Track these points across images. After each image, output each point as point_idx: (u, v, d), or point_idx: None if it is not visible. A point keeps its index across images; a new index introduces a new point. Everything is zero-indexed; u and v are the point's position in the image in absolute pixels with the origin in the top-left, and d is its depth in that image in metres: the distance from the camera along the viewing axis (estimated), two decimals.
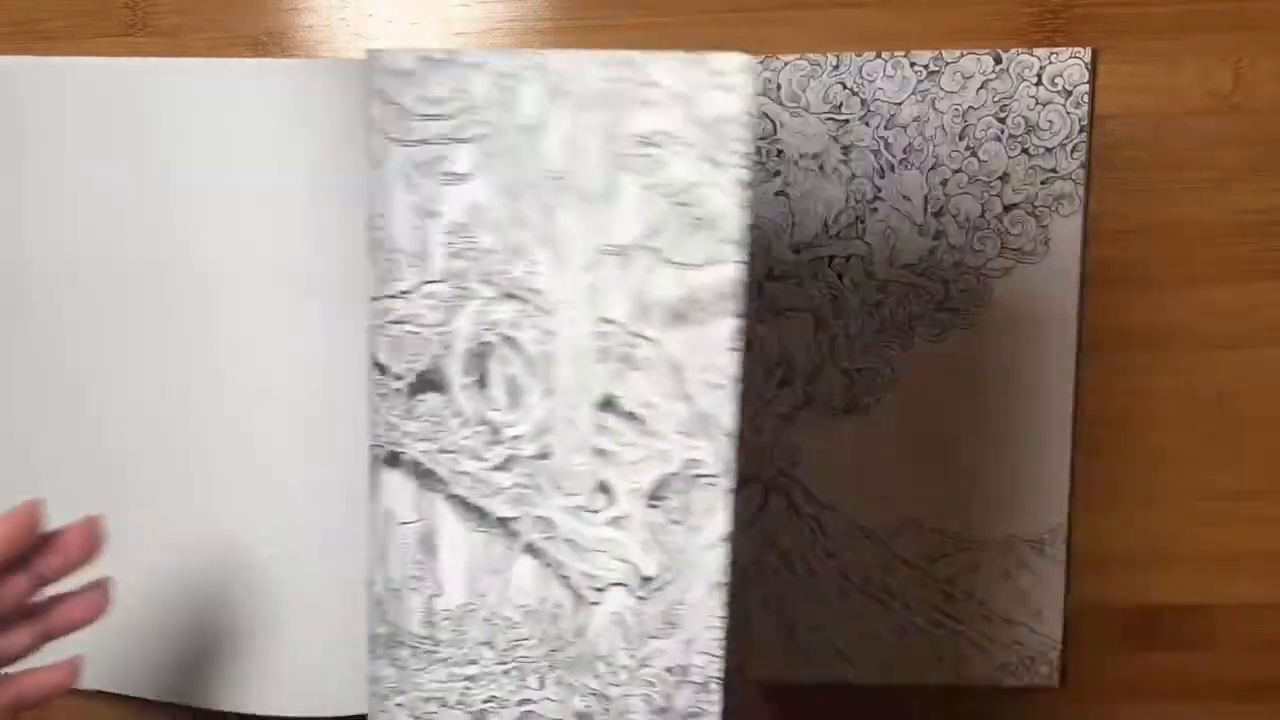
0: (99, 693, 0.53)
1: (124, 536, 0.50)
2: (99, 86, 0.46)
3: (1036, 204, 0.48)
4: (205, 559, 0.50)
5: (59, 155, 0.47)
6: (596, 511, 0.35)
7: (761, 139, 0.48)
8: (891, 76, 0.47)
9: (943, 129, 0.47)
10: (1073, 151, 0.47)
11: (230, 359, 0.48)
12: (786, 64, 0.47)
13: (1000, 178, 0.48)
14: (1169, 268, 0.49)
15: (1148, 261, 0.49)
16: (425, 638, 0.37)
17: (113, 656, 0.52)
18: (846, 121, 0.47)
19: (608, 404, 0.34)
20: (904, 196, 0.48)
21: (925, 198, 0.48)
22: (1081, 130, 0.47)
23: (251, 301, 0.47)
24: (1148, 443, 0.51)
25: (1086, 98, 0.47)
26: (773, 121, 0.47)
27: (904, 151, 0.47)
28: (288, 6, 0.48)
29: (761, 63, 0.47)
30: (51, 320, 0.49)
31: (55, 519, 0.51)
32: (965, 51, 0.47)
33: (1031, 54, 0.47)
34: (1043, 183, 0.48)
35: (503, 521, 0.36)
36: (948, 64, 0.47)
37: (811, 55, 0.47)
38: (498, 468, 0.36)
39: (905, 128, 0.47)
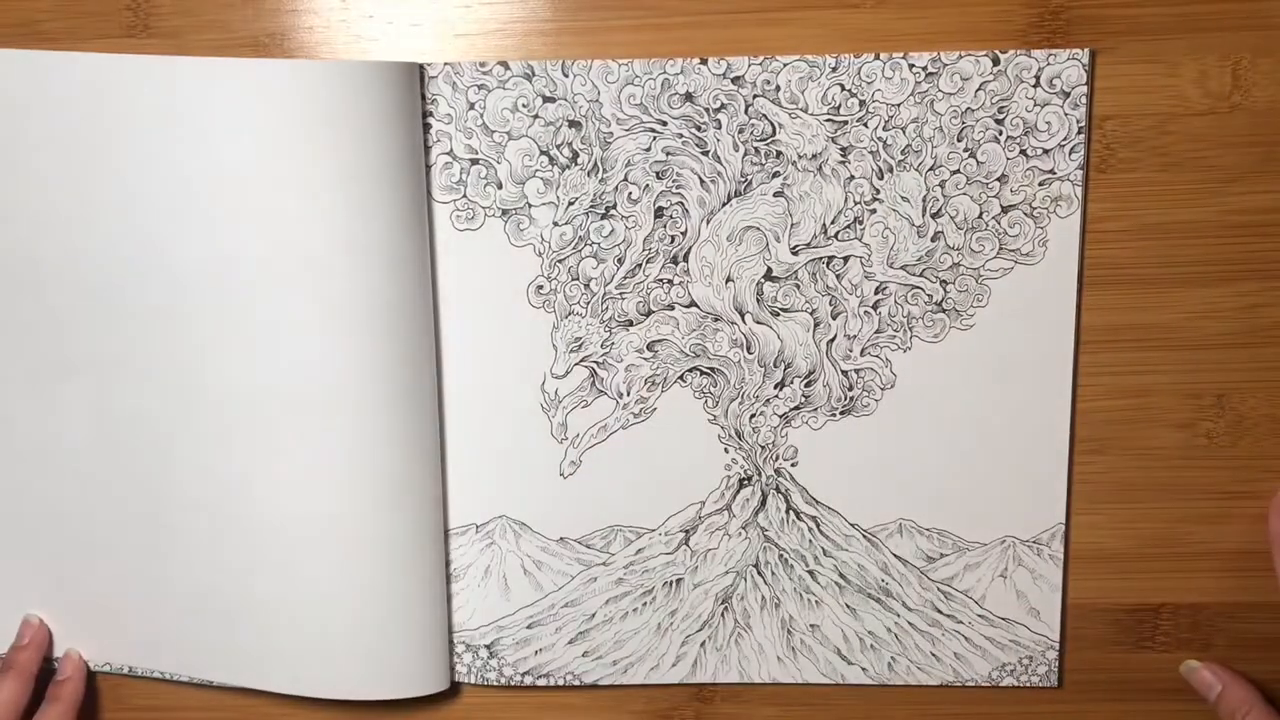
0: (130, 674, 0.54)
1: (145, 523, 0.51)
2: (104, 83, 0.46)
3: (1034, 205, 0.48)
4: (231, 545, 0.50)
5: (65, 151, 0.47)
6: None
7: (761, 140, 0.47)
8: (890, 78, 0.47)
9: (941, 130, 0.47)
10: (1071, 153, 0.47)
11: (238, 357, 0.48)
12: (785, 65, 0.47)
13: (999, 179, 0.48)
14: (1168, 268, 0.49)
15: (1147, 261, 0.49)
16: None
17: (138, 638, 0.53)
18: (845, 123, 0.47)
19: None
20: (902, 197, 0.48)
21: (924, 199, 0.48)
22: (1079, 132, 0.47)
23: (268, 297, 0.47)
24: (1147, 443, 0.51)
25: (1085, 99, 0.47)
26: (772, 123, 0.47)
27: (902, 153, 0.47)
28: (288, 8, 0.48)
29: (761, 64, 0.47)
30: (60, 316, 0.49)
31: (78, 511, 0.52)
32: (964, 53, 0.46)
33: (1030, 55, 0.46)
34: (1041, 184, 0.47)
35: None
36: (946, 66, 0.46)
37: (810, 57, 0.47)
38: None
39: (904, 129, 0.47)
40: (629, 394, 0.50)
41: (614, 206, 0.48)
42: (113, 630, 0.53)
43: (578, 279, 0.49)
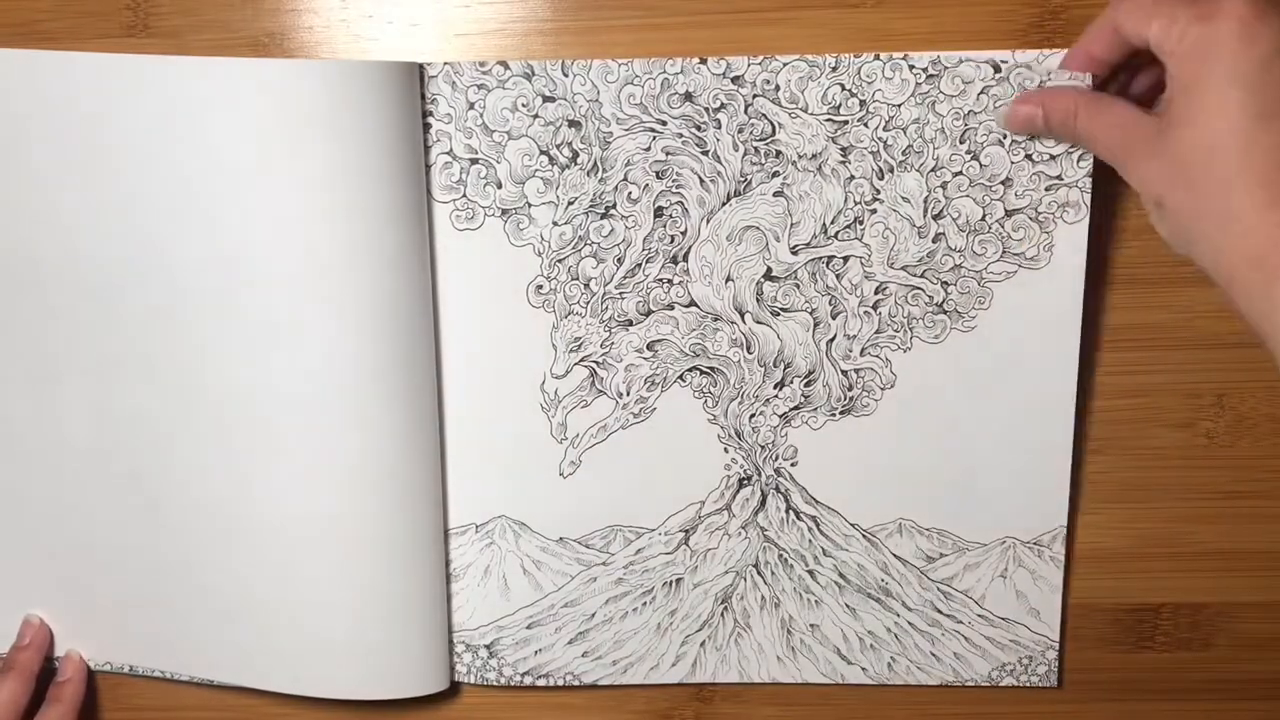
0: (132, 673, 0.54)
1: (145, 523, 0.51)
2: (104, 83, 0.46)
3: (1040, 210, 0.47)
4: (231, 545, 0.50)
5: (65, 151, 0.47)
6: None
7: (760, 139, 0.47)
8: (890, 79, 0.46)
9: (943, 132, 0.47)
10: (1079, 160, 0.46)
11: (238, 357, 0.48)
12: (785, 65, 0.46)
13: (1003, 182, 0.47)
14: (1169, 267, 0.49)
15: (1148, 261, 0.49)
16: None
17: (138, 637, 0.53)
18: (845, 123, 0.47)
19: None
20: (903, 198, 0.47)
21: (925, 200, 0.47)
22: None
23: (268, 297, 0.47)
24: (1147, 443, 0.51)
25: None
26: (771, 123, 0.47)
27: (903, 153, 0.47)
28: (288, 8, 0.48)
29: (761, 64, 0.47)
30: (60, 316, 0.49)
31: (78, 511, 0.52)
32: (963, 59, 0.46)
33: (1031, 69, 0.45)
34: (1047, 189, 0.47)
35: None
36: (946, 69, 0.46)
37: (810, 56, 0.46)
38: None
39: (905, 129, 0.47)
40: (629, 394, 0.50)
41: (614, 206, 0.48)
42: (113, 630, 0.53)
43: (577, 279, 0.49)
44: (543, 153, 0.48)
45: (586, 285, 0.49)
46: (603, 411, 0.50)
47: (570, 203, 0.48)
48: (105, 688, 0.54)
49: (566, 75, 0.47)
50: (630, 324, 0.49)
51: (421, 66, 0.47)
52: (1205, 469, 0.51)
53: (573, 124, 0.47)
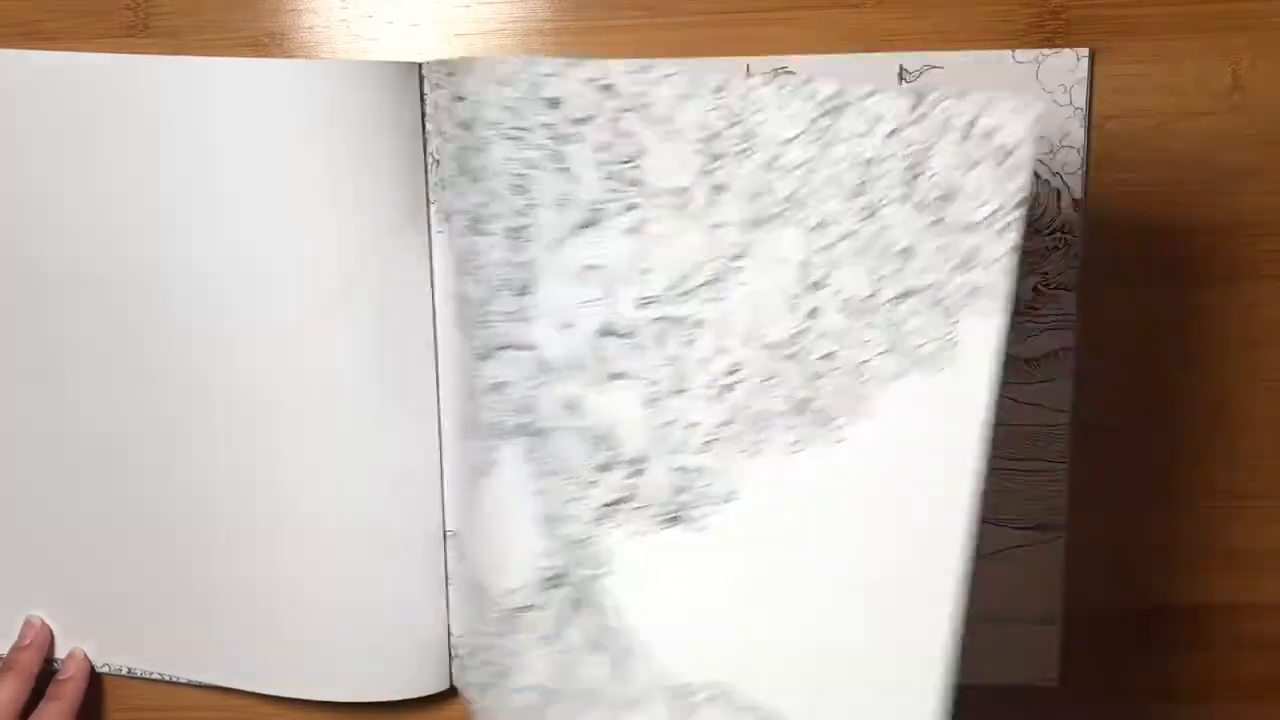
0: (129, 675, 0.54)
1: (145, 525, 0.51)
2: (104, 83, 0.46)
3: (945, 293, 0.35)
4: (231, 546, 0.50)
5: (65, 151, 0.47)
6: None
7: (621, 162, 0.38)
8: (783, 109, 0.36)
9: (835, 180, 0.35)
10: (1003, 232, 0.33)
11: (238, 357, 0.48)
12: (666, 77, 0.37)
13: (902, 252, 0.35)
14: (1168, 268, 0.49)
15: (1147, 261, 0.49)
16: None
17: (138, 638, 0.52)
18: (722, 156, 0.37)
19: None
20: (777, 258, 0.37)
21: (804, 263, 0.36)
22: (1017, 205, 0.33)
23: (268, 297, 0.47)
24: (1148, 443, 0.51)
25: (1027, 162, 0.33)
26: (638, 144, 0.38)
27: (785, 201, 0.36)
28: (288, 8, 0.48)
29: (640, 71, 0.37)
30: (62, 316, 0.49)
31: (79, 512, 0.52)
32: (873, 91, 0.35)
33: (960, 101, 0.33)
34: (957, 267, 0.34)
35: None
36: (850, 103, 0.35)
37: (694, 72, 0.37)
38: None
39: (791, 172, 0.36)
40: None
41: (482, 222, 0.42)
42: (112, 631, 0.53)
43: (465, 302, 0.44)
44: (452, 160, 0.44)
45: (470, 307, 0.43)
46: None
47: (457, 215, 0.44)
48: (105, 688, 0.54)
49: (453, 74, 0.42)
50: (485, 359, 0.43)
51: (421, 66, 0.47)
52: (1205, 469, 0.51)
53: (464, 126, 0.42)
